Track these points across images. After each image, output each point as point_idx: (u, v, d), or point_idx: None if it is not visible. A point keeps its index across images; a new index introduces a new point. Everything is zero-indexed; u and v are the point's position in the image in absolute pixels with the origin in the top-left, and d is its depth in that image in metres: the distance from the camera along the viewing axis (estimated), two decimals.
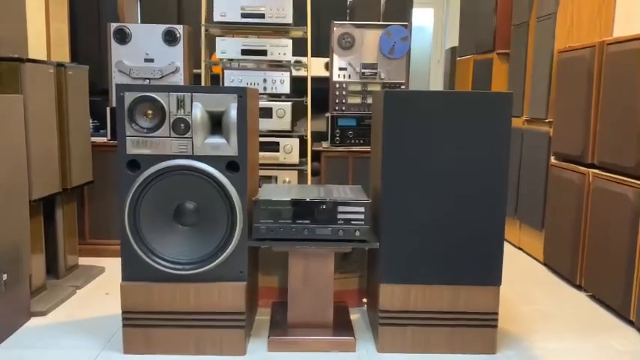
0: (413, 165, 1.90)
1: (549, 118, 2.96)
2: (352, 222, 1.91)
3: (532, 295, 2.60)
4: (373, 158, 2.20)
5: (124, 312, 1.92)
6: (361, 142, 2.99)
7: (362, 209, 1.91)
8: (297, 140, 2.98)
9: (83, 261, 2.84)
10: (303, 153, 3.03)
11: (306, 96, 3.02)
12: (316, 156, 3.06)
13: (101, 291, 2.54)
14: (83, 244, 2.99)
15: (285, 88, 3.00)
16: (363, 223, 1.91)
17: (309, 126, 3.01)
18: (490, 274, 1.94)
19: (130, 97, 1.84)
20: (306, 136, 3.01)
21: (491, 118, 1.88)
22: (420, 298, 1.95)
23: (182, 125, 1.85)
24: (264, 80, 2.99)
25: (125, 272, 1.92)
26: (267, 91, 3.00)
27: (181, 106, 1.84)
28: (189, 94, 1.84)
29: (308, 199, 1.91)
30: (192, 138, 1.85)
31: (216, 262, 1.89)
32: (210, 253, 1.90)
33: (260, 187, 2.21)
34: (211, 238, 1.90)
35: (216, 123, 1.89)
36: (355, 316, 2.29)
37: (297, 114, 3.11)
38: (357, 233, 1.91)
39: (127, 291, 1.92)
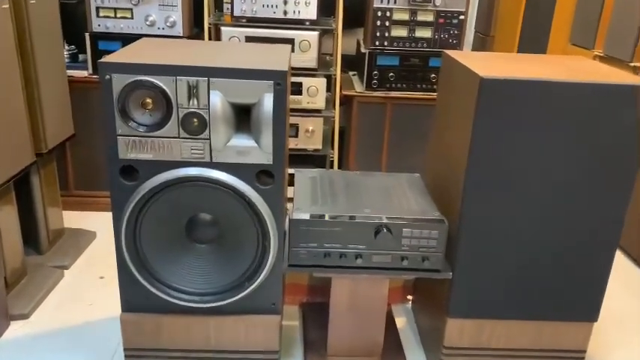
0: (507, 177, 1.41)
1: (636, 62, 2.40)
2: (421, 249, 1.46)
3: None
4: (437, 143, 1.70)
5: (126, 349, 1.53)
6: (403, 85, 2.43)
7: (435, 233, 1.45)
8: (323, 81, 2.42)
9: (69, 217, 2.39)
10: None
11: (335, 18, 2.41)
12: (346, 101, 2.51)
13: (94, 272, 2.13)
14: (67, 196, 2.53)
15: (312, 13, 2.36)
16: (434, 249, 1.47)
17: (339, 61, 2.43)
18: (587, 310, 1.55)
19: (119, 81, 1.28)
20: (335, 75, 2.45)
21: (618, 121, 1.37)
22: (496, 334, 1.57)
23: (195, 121, 1.32)
24: (285, 2, 2.34)
25: (125, 302, 1.50)
26: (287, 16, 2.37)
27: (194, 96, 1.30)
28: (205, 79, 1.28)
29: (363, 219, 1.45)
30: (209, 139, 1.33)
31: (243, 294, 1.47)
32: (235, 282, 1.47)
33: (292, 176, 1.72)
34: (236, 263, 1.46)
35: (241, 118, 1.36)
36: (401, 321, 1.92)
37: (324, 43, 2.51)
38: (427, 264, 1.47)
39: (129, 325, 1.51)
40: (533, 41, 3.16)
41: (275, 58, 1.43)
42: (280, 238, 1.43)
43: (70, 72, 2.32)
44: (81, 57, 2.58)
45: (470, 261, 1.49)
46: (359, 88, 2.46)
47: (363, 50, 2.40)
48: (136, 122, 1.31)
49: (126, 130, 1.31)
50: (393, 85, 2.41)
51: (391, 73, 2.39)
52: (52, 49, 2.01)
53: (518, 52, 3.25)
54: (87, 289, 2.03)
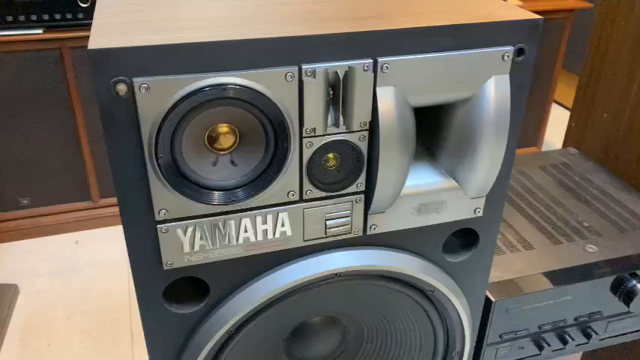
0: None
1: None
2: None
3: None
4: (616, 95, 1.07)
5: None
6: None
7: None
8: None
9: None
10: None
11: None
12: None
13: (32, 357, 1.33)
14: None
15: None
16: None
17: None
18: None
19: (156, 95, 0.48)
20: None
21: None
22: None
23: (334, 160, 0.57)
24: None
25: None
26: None
27: (337, 104, 0.54)
28: (368, 61, 0.52)
29: (598, 269, 0.81)
30: (367, 192, 0.59)
31: None
32: None
33: None
34: None
35: (421, 135, 0.63)
36: None
37: None
38: None
39: None
40: None
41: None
42: (474, 337, 0.77)
43: None
44: None
45: None
46: None
47: None
48: (202, 186, 0.53)
49: (176, 205, 0.53)
50: None
51: None
52: None
53: None
54: None
